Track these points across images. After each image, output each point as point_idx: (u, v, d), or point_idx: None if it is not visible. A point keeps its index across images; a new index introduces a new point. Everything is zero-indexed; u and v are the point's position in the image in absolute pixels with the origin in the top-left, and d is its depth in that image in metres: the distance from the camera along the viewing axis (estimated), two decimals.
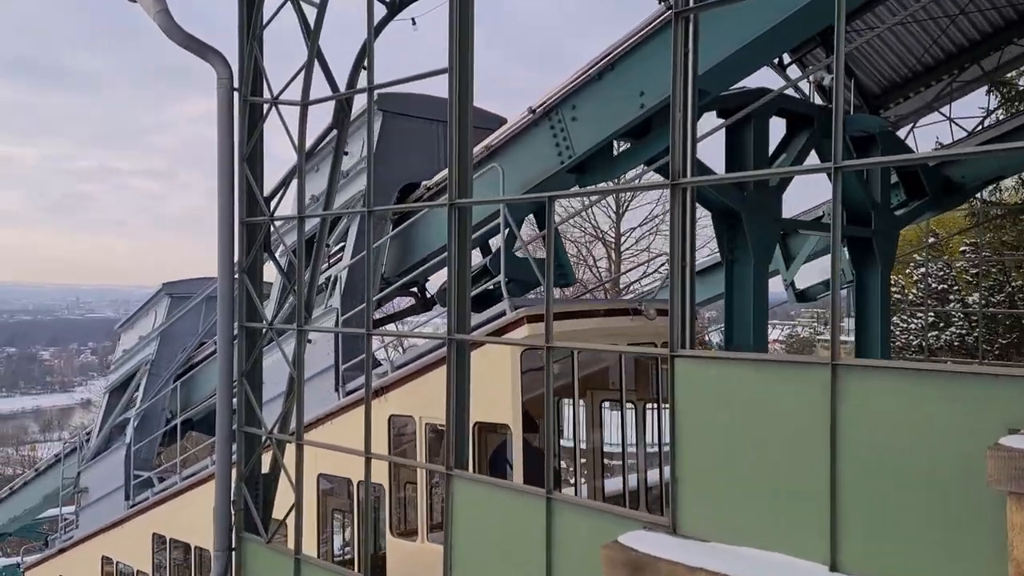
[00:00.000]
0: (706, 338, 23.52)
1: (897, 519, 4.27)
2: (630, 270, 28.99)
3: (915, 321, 26.03)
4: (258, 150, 9.27)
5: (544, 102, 9.81)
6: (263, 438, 9.03)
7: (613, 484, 11.44)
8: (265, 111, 9.10)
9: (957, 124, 16.26)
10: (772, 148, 10.87)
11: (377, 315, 13.47)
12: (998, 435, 3.80)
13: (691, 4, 5.23)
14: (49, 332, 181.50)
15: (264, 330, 9.12)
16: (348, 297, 10.99)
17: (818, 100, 14.51)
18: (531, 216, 12.53)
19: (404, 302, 15.58)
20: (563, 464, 13.11)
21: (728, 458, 4.94)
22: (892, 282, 15.67)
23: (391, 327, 16.41)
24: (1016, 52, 15.16)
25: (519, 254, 10.15)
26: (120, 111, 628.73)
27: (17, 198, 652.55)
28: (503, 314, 8.78)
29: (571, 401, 10.39)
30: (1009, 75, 17.73)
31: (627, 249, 34.06)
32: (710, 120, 9.81)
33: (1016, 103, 18.64)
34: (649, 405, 10.90)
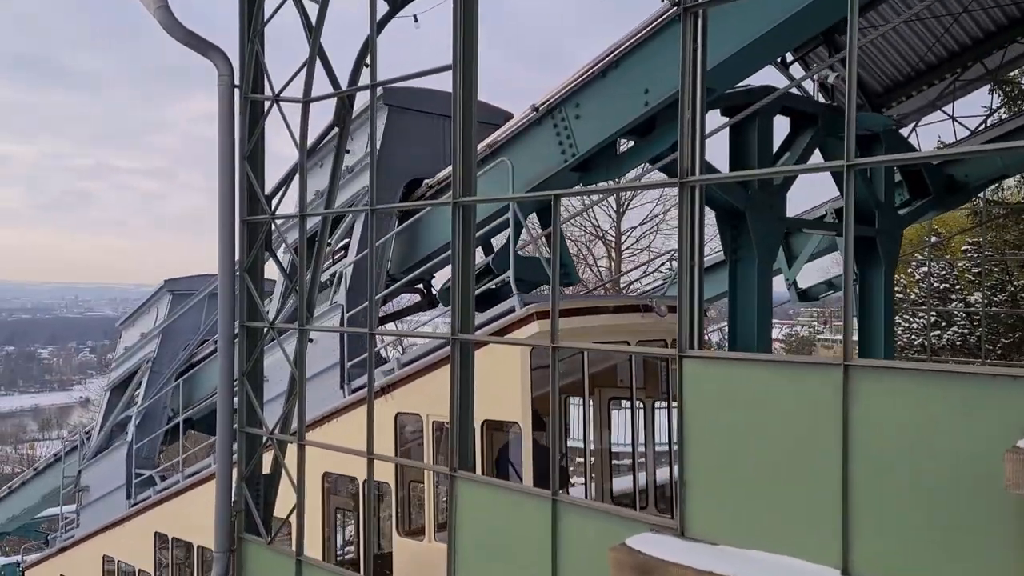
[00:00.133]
0: (706, 337, 23.43)
1: (910, 522, 4.21)
2: (631, 270, 28.91)
3: (917, 321, 25.98)
4: (259, 148, 9.19)
5: (547, 100, 9.74)
6: (264, 438, 8.95)
7: (621, 483, 11.36)
8: (266, 108, 9.02)
9: (960, 123, 16.23)
10: (775, 147, 10.84)
11: (382, 312, 13.36)
12: (1014, 438, 3.74)
13: None
14: (48, 331, 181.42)
15: (265, 329, 9.04)
16: (353, 293, 10.91)
17: (820, 99, 14.45)
18: (532, 215, 12.46)
19: (409, 299, 15.50)
20: (571, 462, 13.05)
21: (737, 460, 4.87)
22: (894, 281, 15.58)
23: (393, 326, 16.35)
24: (1019, 51, 15.10)
25: (522, 253, 10.09)
26: (120, 110, 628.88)
27: (16, 196, 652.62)
28: (513, 310, 8.69)
29: (578, 399, 10.31)
30: (1012, 74, 17.68)
31: (627, 248, 34.03)
32: (714, 118, 9.74)
33: (1019, 102, 18.59)
34: (658, 404, 10.81)
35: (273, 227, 9.22)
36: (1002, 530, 3.88)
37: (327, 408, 10.11)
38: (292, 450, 8.50)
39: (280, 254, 10.79)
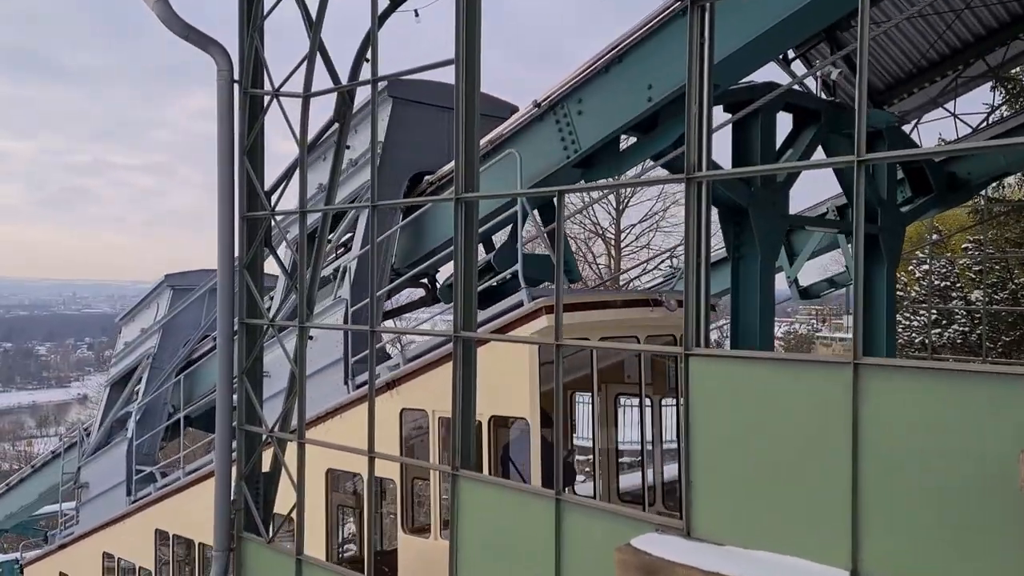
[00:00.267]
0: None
1: (920, 522, 4.15)
2: (631, 268, 28.85)
3: (917, 319, 25.94)
4: (259, 143, 9.11)
5: (549, 96, 9.67)
6: (263, 436, 8.89)
7: (629, 480, 11.27)
8: (266, 103, 8.94)
9: (962, 120, 16.19)
10: (778, 143, 10.79)
11: (386, 307, 13.24)
12: None
13: None
14: (45, 327, 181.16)
15: (265, 327, 8.97)
16: (358, 288, 10.80)
17: (823, 96, 14.38)
18: (534, 212, 12.37)
19: (408, 295, 15.41)
20: (578, 459, 12.93)
21: (744, 459, 4.81)
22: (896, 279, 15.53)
23: (391, 323, 16.25)
24: (1021, 47, 15.06)
25: (524, 249, 10.01)
26: (118, 106, 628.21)
27: (14, 192, 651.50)
28: (520, 304, 8.57)
29: (585, 395, 10.22)
30: (1014, 71, 17.62)
31: (627, 246, 33.97)
32: (716, 115, 9.66)
33: (1021, 99, 18.54)
34: (666, 400, 10.71)
35: (273, 223, 9.15)
36: (1016, 531, 3.82)
37: (331, 404, 10.00)
38: (292, 448, 8.43)
39: (282, 250, 10.72)
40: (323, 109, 9.40)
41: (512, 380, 8.16)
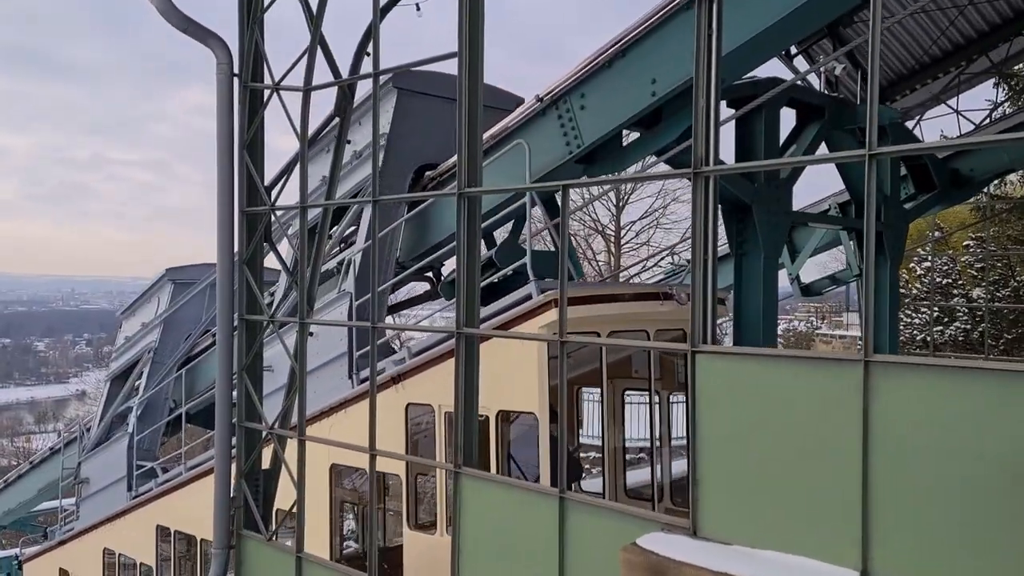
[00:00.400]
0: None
1: (933, 523, 4.08)
2: (631, 265, 28.77)
3: (919, 316, 25.88)
4: (259, 138, 9.03)
5: (552, 91, 9.59)
6: (263, 433, 8.82)
7: (636, 476, 11.16)
8: (266, 97, 8.86)
9: (964, 117, 16.12)
10: (780, 139, 10.72)
11: (391, 300, 13.11)
12: None
13: None
14: (44, 323, 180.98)
15: (265, 323, 8.89)
16: (362, 281, 10.71)
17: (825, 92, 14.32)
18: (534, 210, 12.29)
19: (408, 291, 15.32)
20: (587, 455, 12.77)
21: (752, 458, 4.74)
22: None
23: (391, 319, 16.15)
24: None
25: (526, 246, 9.93)
26: (116, 101, 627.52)
27: (12, 188, 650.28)
28: (529, 297, 8.44)
29: (592, 390, 10.08)
30: (1017, 67, 17.54)
31: (627, 243, 33.91)
32: (720, 110, 9.59)
33: None
34: (675, 396, 10.59)
35: (273, 218, 9.08)
36: None
37: (335, 399, 9.89)
38: (293, 445, 8.36)
39: (284, 246, 10.63)
40: (324, 103, 9.33)
41: (520, 374, 8.01)
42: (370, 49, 7.61)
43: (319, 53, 8.31)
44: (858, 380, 4.24)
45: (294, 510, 8.21)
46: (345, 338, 10.39)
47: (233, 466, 8.95)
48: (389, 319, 15.57)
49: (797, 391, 4.57)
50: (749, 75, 9.98)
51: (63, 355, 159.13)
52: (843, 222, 13.15)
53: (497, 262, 10.23)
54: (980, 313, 23.75)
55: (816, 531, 4.49)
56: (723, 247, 11.59)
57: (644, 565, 4.66)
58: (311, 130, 9.40)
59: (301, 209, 8.48)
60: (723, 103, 9.74)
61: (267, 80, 8.75)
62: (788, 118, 10.85)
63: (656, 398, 10.10)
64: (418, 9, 9.56)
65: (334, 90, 8.84)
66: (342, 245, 12.18)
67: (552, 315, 7.97)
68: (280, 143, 11.11)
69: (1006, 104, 17.46)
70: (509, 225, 11.72)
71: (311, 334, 9.59)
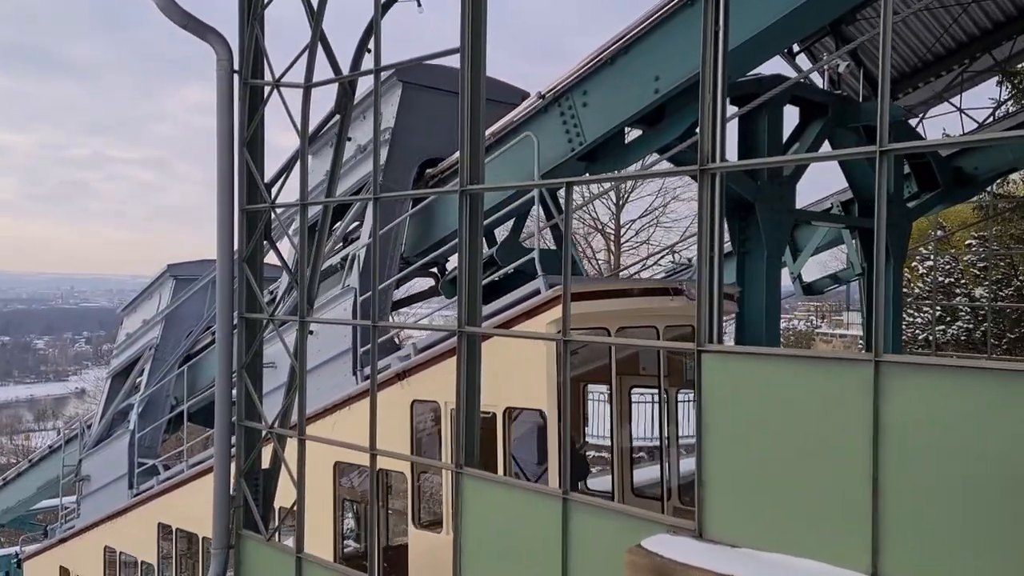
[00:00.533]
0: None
1: (944, 526, 4.01)
2: (632, 265, 28.72)
3: (921, 315, 25.81)
4: (259, 135, 8.95)
5: (554, 88, 9.52)
6: (263, 433, 8.74)
7: (642, 475, 11.04)
8: (266, 94, 8.78)
9: (967, 115, 16.05)
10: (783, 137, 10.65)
11: (396, 296, 12.98)
12: None
13: None
14: (43, 321, 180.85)
15: (265, 321, 8.82)
16: (366, 277, 10.63)
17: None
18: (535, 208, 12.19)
19: (407, 289, 15.20)
20: (593, 454, 12.63)
21: (759, 459, 4.68)
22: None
23: (395, 317, 16.03)
24: None
25: (527, 244, 9.86)
26: (116, 100, 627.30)
27: (11, 186, 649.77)
28: (537, 292, 8.30)
29: (597, 387, 9.94)
30: (1021, 65, 17.46)
31: (627, 241, 33.83)
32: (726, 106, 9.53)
33: None
34: (682, 393, 10.47)
35: (273, 216, 9.00)
36: None
37: (339, 396, 9.78)
38: (293, 444, 8.29)
39: (285, 245, 10.56)
40: (325, 100, 9.25)
41: (528, 371, 7.87)
42: (371, 45, 7.54)
43: (320, 50, 8.24)
44: (868, 380, 4.18)
45: (295, 509, 8.13)
46: (349, 334, 10.28)
47: (233, 465, 8.88)
48: (394, 315, 15.42)
49: (805, 391, 4.50)
50: (752, 72, 9.92)
51: (62, 353, 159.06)
52: (846, 220, 13.09)
53: (498, 260, 10.15)
54: (982, 312, 23.69)
55: (824, 533, 4.43)
56: (725, 246, 11.53)
57: (649, 567, 4.60)
58: (312, 127, 9.34)
59: (301, 207, 8.41)
60: (726, 100, 9.68)
61: (267, 77, 8.67)
62: (791, 116, 10.82)
63: (664, 396, 9.98)
64: (419, 5, 9.49)
65: (335, 87, 8.77)
66: (346, 240, 12.05)
67: (560, 311, 7.79)
68: (280, 140, 11.04)
69: (1009, 102, 17.37)
70: (510, 223, 11.64)
71: (311, 332, 9.51)
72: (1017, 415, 3.82)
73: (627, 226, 33.72)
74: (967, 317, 25.31)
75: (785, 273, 13.98)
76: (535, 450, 9.54)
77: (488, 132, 9.79)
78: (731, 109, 9.76)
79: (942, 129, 18.13)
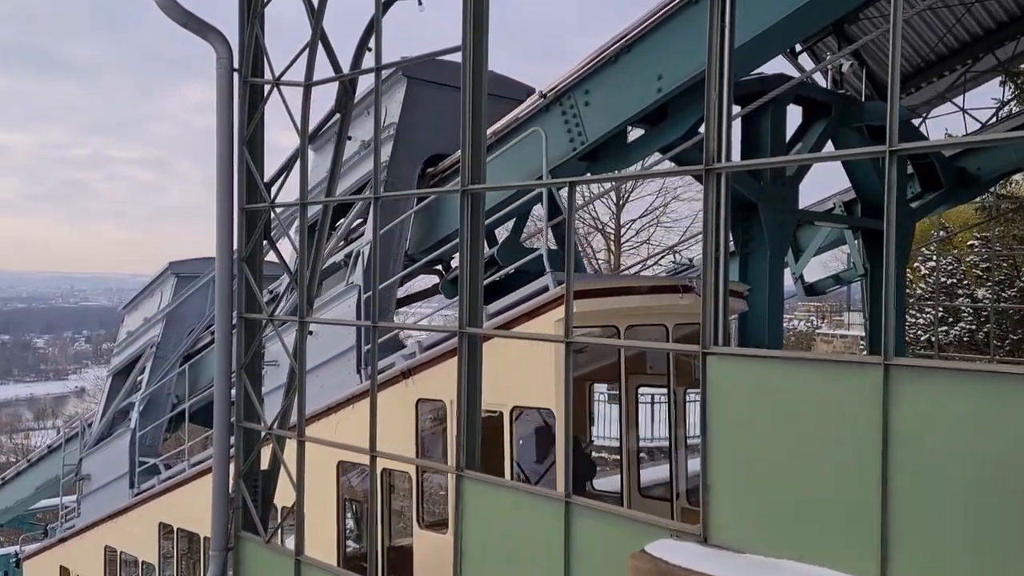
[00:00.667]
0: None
1: (955, 533, 3.95)
2: (633, 265, 28.66)
3: (923, 316, 25.73)
4: (259, 134, 8.88)
5: (555, 86, 9.45)
6: (262, 434, 8.67)
7: (649, 475, 10.92)
8: (266, 93, 8.72)
9: (970, 115, 15.99)
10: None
11: (400, 293, 12.85)
12: None
13: None
14: (43, 320, 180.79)
15: (264, 321, 8.75)
16: (370, 273, 10.55)
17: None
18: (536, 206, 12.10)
19: (408, 288, 15.09)
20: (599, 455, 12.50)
21: (765, 463, 4.61)
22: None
23: (400, 313, 15.93)
24: None
25: (528, 244, 9.78)
26: (116, 100, 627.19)
27: (12, 186, 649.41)
28: (546, 289, 8.17)
29: (610, 386, 9.80)
30: None
31: (627, 241, 33.77)
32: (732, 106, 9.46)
33: None
34: (691, 392, 10.35)
35: (272, 215, 8.94)
36: None
37: (342, 395, 9.65)
38: (292, 445, 8.22)
39: (286, 244, 10.48)
40: (325, 100, 9.19)
41: (536, 369, 7.73)
42: (372, 44, 7.48)
43: (320, 48, 8.18)
44: (877, 384, 4.11)
45: (295, 510, 8.06)
46: (353, 332, 10.18)
47: (232, 466, 8.81)
48: (396, 313, 15.29)
49: (812, 395, 4.43)
50: (755, 72, 9.86)
51: (62, 352, 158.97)
52: (849, 221, 13.03)
53: (499, 260, 10.08)
54: (985, 313, 23.62)
55: (831, 539, 4.36)
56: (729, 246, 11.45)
57: (653, 573, 4.53)
58: (312, 126, 9.26)
59: (301, 206, 8.34)
60: None
61: (267, 75, 8.61)
62: (793, 116, 10.76)
63: (672, 395, 9.87)
64: (420, 3, 9.43)
65: (335, 86, 8.71)
66: (350, 237, 11.94)
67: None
68: (280, 139, 10.97)
69: (1013, 103, 17.31)
70: (512, 223, 11.56)
71: (311, 333, 9.43)
72: None
73: (627, 226, 33.68)
74: (969, 318, 25.22)
75: (787, 273, 13.92)
76: (534, 450, 9.47)
77: (489, 131, 9.72)
78: (734, 108, 9.69)
79: (944, 129, 18.06)
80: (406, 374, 8.90)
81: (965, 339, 24.91)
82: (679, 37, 8.23)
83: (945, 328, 24.95)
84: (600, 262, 33.78)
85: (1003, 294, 24.18)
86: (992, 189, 16.67)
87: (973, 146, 12.56)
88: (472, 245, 6.36)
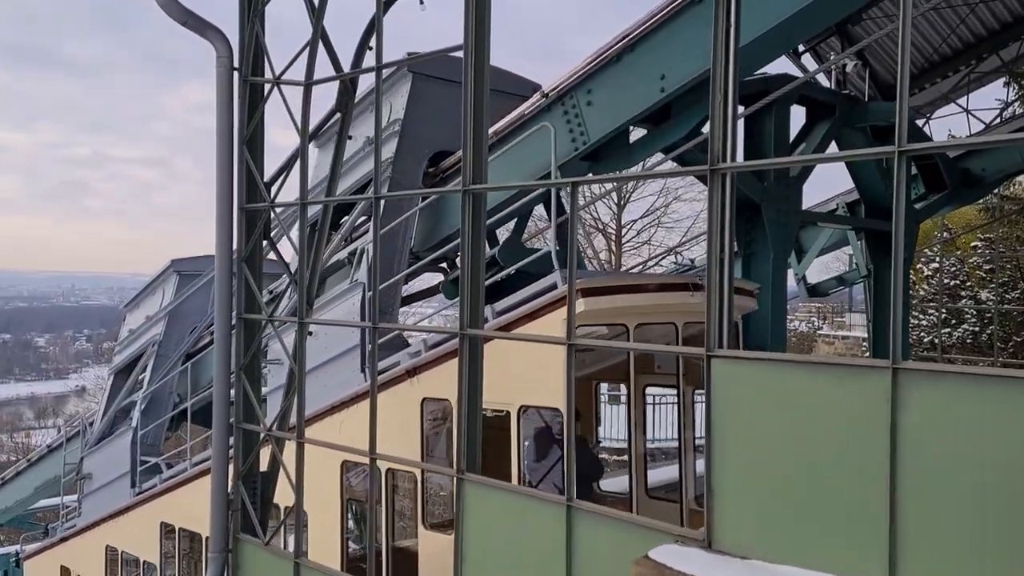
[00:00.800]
0: None
1: (963, 538, 3.88)
2: (634, 266, 28.59)
3: (926, 318, 25.66)
4: (259, 133, 8.82)
5: (557, 86, 9.39)
6: (261, 435, 8.61)
7: (656, 476, 10.83)
8: (266, 92, 8.66)
9: (974, 116, 15.92)
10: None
11: (405, 291, 12.76)
12: None
13: None
14: (44, 319, 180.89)
15: (263, 322, 8.69)
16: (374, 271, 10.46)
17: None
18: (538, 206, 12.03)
19: (408, 287, 15.02)
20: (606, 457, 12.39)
21: (771, 468, 4.54)
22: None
23: (401, 319, 15.86)
24: None
25: (529, 245, 9.72)
26: (116, 99, 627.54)
27: (13, 185, 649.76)
28: (554, 287, 8.08)
29: (611, 386, 9.70)
30: None
31: (628, 241, 33.69)
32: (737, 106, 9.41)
33: None
34: (699, 393, 10.27)
35: (272, 215, 8.87)
36: None
37: (346, 394, 9.56)
38: (291, 446, 8.15)
39: (287, 244, 10.41)
40: (325, 99, 9.13)
41: (544, 368, 7.59)
42: (372, 43, 7.42)
43: (320, 47, 8.12)
44: (885, 388, 4.04)
45: (295, 511, 7.99)
46: (357, 330, 10.11)
47: (231, 467, 8.74)
48: (402, 311, 15.17)
49: (819, 398, 4.36)
50: (758, 72, 9.80)
51: (63, 351, 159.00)
52: (853, 222, 12.96)
53: (500, 261, 10.01)
54: (989, 315, 23.56)
55: (838, 545, 4.30)
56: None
57: None
58: (313, 125, 9.20)
59: (301, 206, 8.28)
60: None
61: (268, 74, 8.54)
62: (797, 116, 10.70)
63: (680, 396, 9.78)
64: (421, 2, 9.36)
65: (335, 85, 8.64)
66: (354, 235, 11.87)
67: (579, 306, 7.45)
68: (280, 139, 10.90)
69: (1016, 104, 17.24)
70: (513, 224, 11.49)
71: (310, 334, 9.36)
72: None
73: (628, 226, 33.60)
74: (973, 320, 25.17)
75: (790, 274, 13.86)
76: (542, 450, 9.39)
77: (491, 130, 9.66)
78: (738, 109, 9.63)
79: (948, 130, 18.01)
80: (411, 373, 8.82)
81: (968, 341, 24.86)
82: (683, 36, 8.17)
83: (948, 330, 24.90)
84: (602, 262, 33.71)
85: (1007, 296, 24.12)
86: (996, 190, 16.61)
87: (980, 147, 12.49)
88: (473, 245, 6.29)
